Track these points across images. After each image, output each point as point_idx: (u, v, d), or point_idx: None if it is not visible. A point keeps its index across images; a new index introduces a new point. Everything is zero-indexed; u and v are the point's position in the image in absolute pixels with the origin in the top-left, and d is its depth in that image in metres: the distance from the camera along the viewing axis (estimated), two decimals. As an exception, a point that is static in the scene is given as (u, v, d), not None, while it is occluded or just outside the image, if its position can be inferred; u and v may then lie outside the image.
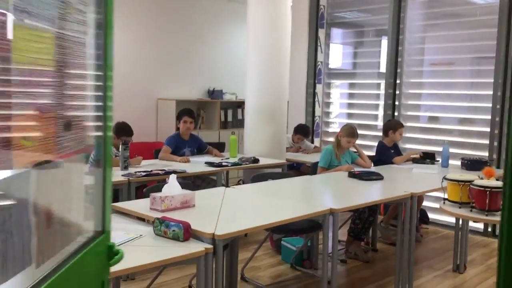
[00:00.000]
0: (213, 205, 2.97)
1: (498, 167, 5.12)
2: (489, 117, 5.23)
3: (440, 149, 5.46)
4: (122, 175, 3.86)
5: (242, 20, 5.70)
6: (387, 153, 5.02)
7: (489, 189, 2.79)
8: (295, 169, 5.76)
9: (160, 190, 2.94)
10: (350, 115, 6.97)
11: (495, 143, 5.19)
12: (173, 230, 2.39)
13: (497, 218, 2.80)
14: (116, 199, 3.68)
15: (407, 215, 3.55)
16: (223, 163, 4.61)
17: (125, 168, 4.12)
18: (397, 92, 6.07)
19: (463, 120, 5.73)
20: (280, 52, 5.24)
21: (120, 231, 2.51)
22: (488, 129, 5.25)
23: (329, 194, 3.77)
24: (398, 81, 6.06)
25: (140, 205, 2.91)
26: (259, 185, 3.77)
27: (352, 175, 4.11)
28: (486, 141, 5.30)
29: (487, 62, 5.42)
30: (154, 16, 6.55)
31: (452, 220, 5.47)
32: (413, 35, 6.05)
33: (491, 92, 5.21)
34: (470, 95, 5.66)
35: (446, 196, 3.13)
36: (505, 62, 5.11)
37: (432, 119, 6.03)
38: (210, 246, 2.33)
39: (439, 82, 5.95)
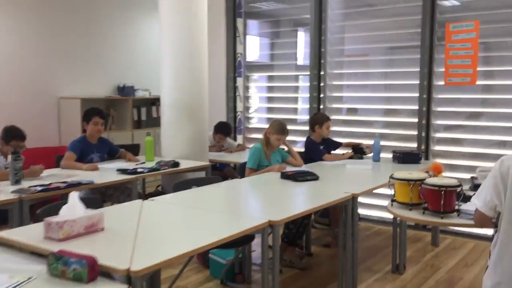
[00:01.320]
0: (128, 227, 2.42)
1: (427, 158, 5.01)
2: (416, 107, 5.09)
3: (365, 141, 5.28)
4: (12, 192, 3.16)
5: (153, 8, 5.11)
6: (316, 150, 4.70)
7: (443, 189, 2.50)
8: (218, 170, 5.29)
9: (58, 212, 2.33)
10: (270, 110, 6.62)
11: (423, 134, 5.06)
12: (74, 269, 1.82)
13: (453, 220, 2.52)
14: (5, 223, 2.99)
15: (349, 217, 3.22)
16: (139, 169, 4.02)
17: (17, 182, 3.40)
18: (322, 84, 5.80)
19: (388, 111, 5.57)
20: (197, 43, 4.74)
21: (4, 274, 1.89)
22: (415, 120, 5.11)
23: (264, 201, 3.32)
24: (322, 73, 5.78)
25: (32, 233, 2.29)
26: (182, 194, 3.24)
27: (285, 176, 3.72)
28: (413, 132, 5.16)
29: (410, 51, 5.27)
30: (51, 5, 5.73)
31: (383, 215, 5.33)
32: (335, 24, 5.80)
33: (416, 82, 5.07)
34: (394, 85, 5.50)
35: (393, 195, 2.82)
36: (430, 50, 4.99)
37: (357, 111, 5.83)
38: (125, 287, 1.79)
39: (362, 72, 5.76)
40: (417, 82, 5.06)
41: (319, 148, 4.73)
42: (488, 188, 2.01)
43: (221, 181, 3.79)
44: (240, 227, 2.43)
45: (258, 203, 3.29)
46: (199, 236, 2.31)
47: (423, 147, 5.06)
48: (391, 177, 2.81)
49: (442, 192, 2.49)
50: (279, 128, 4.14)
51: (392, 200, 2.82)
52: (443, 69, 4.87)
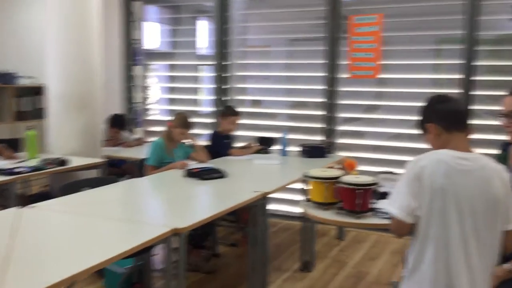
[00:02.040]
0: (-1, 244, 1.98)
1: (331, 152, 4.98)
2: (321, 99, 5.03)
3: (272, 135, 5.17)
4: None
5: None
6: (222, 143, 4.45)
7: (360, 187, 2.37)
8: (115, 167, 4.83)
9: None
10: (171, 101, 6.23)
11: (329, 127, 5.02)
12: None
13: (368, 220, 2.40)
14: None
15: (260, 217, 3.01)
16: (18, 169, 3.47)
17: None
18: (227, 74, 5.55)
19: (294, 103, 5.46)
20: (87, 27, 4.26)
21: None
22: (321, 112, 5.06)
23: (167, 204, 2.98)
24: (226, 63, 5.54)
25: None
26: (71, 199, 2.81)
27: (189, 174, 3.42)
28: (318, 125, 5.11)
29: (315, 43, 5.19)
30: None
31: (289, 209, 5.24)
32: (238, 12, 5.56)
33: (322, 74, 5.01)
34: (299, 77, 5.38)
35: (304, 191, 2.66)
36: (334, 43, 4.95)
37: (261, 103, 5.66)
38: (-10, 329, 1.40)
39: (266, 64, 5.58)
40: (323, 74, 5.00)
41: (224, 141, 4.48)
42: (404, 192, 1.85)
43: (117, 180, 3.38)
44: (140, 238, 2.10)
45: (160, 207, 2.95)
46: (90, 253, 1.94)
47: (328, 140, 5.02)
48: (305, 175, 2.63)
49: (358, 191, 2.36)
50: (183, 121, 3.83)
51: (307, 200, 2.64)
52: (347, 62, 4.85)
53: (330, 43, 4.93)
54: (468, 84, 4.42)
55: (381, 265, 4.00)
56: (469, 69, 4.40)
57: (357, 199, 2.37)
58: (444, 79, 4.77)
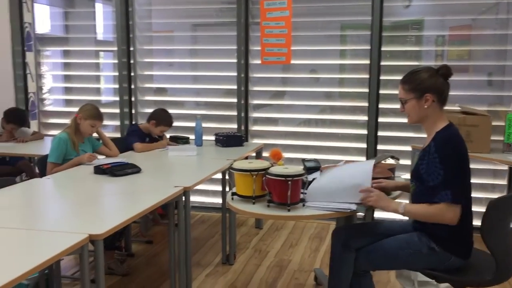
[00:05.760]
0: None
1: (246, 140, 4.89)
2: (235, 87, 4.90)
3: (183, 124, 4.95)
4: None
5: None
6: (131, 138, 4.11)
7: (290, 178, 2.27)
8: (9, 165, 4.34)
9: None
10: (68, 90, 5.70)
11: (243, 114, 4.92)
12: None
13: (299, 212, 2.32)
14: None
15: (182, 213, 2.83)
16: None
17: None
18: (131, 61, 5.21)
19: (203, 90, 5.25)
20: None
21: None
22: (234, 100, 4.93)
23: (76, 206, 2.59)
24: (131, 48, 5.19)
25: None
26: (-42, 207, 2.41)
27: (100, 170, 3.11)
28: (231, 113, 4.99)
29: (224, 28, 5.02)
30: None
31: (205, 200, 5.10)
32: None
33: (233, 60, 4.87)
34: (210, 63, 5.18)
35: (233, 190, 2.52)
36: (245, 27, 4.84)
37: (167, 91, 5.37)
38: None
39: (171, 49, 5.29)
40: (234, 61, 4.86)
41: (135, 137, 4.14)
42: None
43: (14, 182, 2.99)
44: (51, 250, 1.82)
45: (69, 211, 2.58)
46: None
47: (243, 127, 4.92)
48: (231, 168, 2.48)
49: (289, 183, 2.27)
50: (95, 112, 3.51)
51: (233, 194, 2.51)
52: (259, 48, 4.76)
53: (242, 28, 4.79)
54: (378, 69, 4.53)
55: (302, 251, 4.00)
56: (377, 55, 4.50)
57: (288, 190, 2.27)
58: (350, 65, 4.85)
